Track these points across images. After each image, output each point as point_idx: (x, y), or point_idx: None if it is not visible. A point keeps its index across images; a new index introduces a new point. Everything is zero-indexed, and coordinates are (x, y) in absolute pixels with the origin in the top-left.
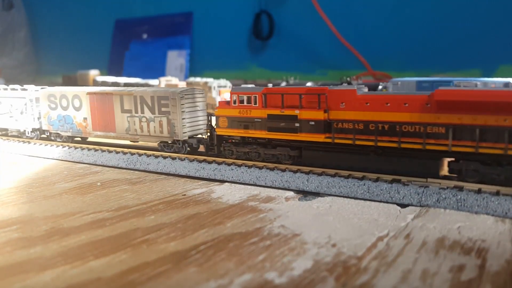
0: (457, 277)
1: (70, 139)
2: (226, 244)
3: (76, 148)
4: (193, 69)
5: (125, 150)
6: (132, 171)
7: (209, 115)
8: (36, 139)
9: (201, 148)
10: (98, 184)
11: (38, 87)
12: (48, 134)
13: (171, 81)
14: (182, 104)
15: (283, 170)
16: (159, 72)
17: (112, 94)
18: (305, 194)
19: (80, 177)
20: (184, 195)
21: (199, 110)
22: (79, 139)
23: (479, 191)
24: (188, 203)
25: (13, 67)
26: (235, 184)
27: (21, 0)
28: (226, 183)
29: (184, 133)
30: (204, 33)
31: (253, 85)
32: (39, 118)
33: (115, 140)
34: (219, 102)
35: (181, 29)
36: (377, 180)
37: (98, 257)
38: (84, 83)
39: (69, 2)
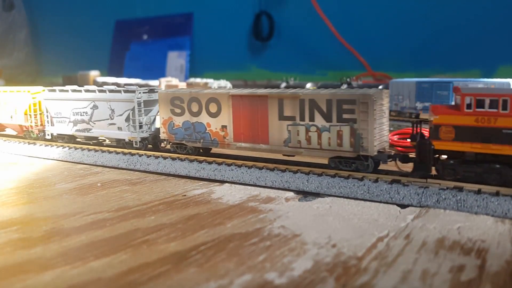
0: (457, 278)
1: (196, 151)
2: (226, 244)
3: (76, 148)
4: (193, 69)
5: (125, 150)
6: (132, 171)
7: (418, 122)
8: (144, 149)
9: (390, 165)
10: (99, 184)
11: (144, 89)
12: (165, 144)
13: (171, 81)
14: (374, 110)
15: (283, 171)
16: (159, 72)
17: (267, 96)
18: (305, 194)
19: (80, 178)
20: (184, 195)
21: (384, 117)
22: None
23: (478, 192)
24: (188, 203)
25: (14, 68)
26: (235, 185)
27: (22, 1)
28: (226, 184)
29: (374, 146)
30: (204, 34)
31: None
32: (150, 126)
33: (264, 153)
34: (438, 106)
35: (181, 29)
36: (377, 180)
37: (98, 257)
38: (85, 84)
39: (69, 3)
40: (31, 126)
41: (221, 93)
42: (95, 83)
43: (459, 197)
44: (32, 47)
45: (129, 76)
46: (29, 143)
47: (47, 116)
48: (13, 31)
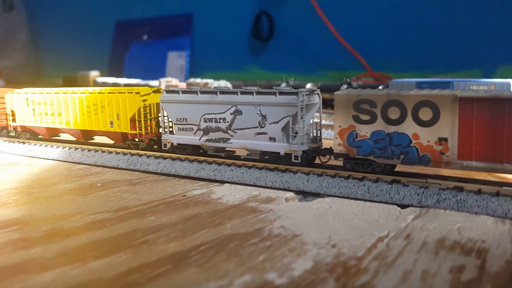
0: (457, 278)
1: (386, 169)
2: (226, 244)
3: (76, 149)
4: (193, 70)
5: (125, 151)
6: (132, 172)
7: None
8: (305, 165)
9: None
10: (98, 185)
11: (305, 90)
12: (327, 159)
13: (171, 82)
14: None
15: (283, 171)
16: (159, 73)
17: None
18: (305, 194)
19: (80, 178)
20: (184, 195)
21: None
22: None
23: (479, 192)
24: (188, 203)
25: (14, 69)
26: (235, 185)
27: (22, 2)
28: (226, 184)
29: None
30: (204, 34)
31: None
32: (312, 136)
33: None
34: None
35: (181, 30)
36: (377, 180)
37: (98, 257)
38: (85, 84)
39: (69, 4)
40: (140, 135)
41: (440, 95)
42: (95, 83)
43: (459, 197)
44: (32, 48)
45: (129, 77)
46: (29, 143)
47: (164, 122)
48: (13, 31)
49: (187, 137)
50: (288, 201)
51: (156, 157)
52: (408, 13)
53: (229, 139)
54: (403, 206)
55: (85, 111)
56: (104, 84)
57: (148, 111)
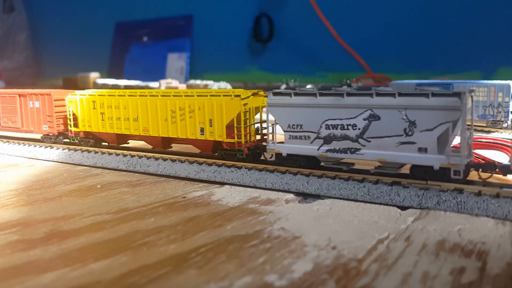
0: (457, 280)
1: None
2: (226, 246)
3: (76, 150)
4: (193, 71)
5: (125, 152)
6: (132, 173)
7: None
8: (462, 181)
9: None
10: (98, 186)
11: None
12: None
13: (171, 83)
14: None
15: (283, 172)
16: (159, 74)
17: None
18: (305, 196)
19: (80, 180)
20: (184, 197)
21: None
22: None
23: (479, 194)
24: (188, 205)
25: (14, 70)
26: (235, 187)
27: (22, 3)
28: (226, 186)
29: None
30: (204, 36)
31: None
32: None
33: None
34: None
35: (181, 31)
36: (377, 182)
37: (98, 259)
38: (85, 86)
39: (70, 5)
40: (239, 144)
41: None
42: (95, 85)
43: (459, 199)
44: (32, 49)
45: (129, 78)
46: (29, 145)
47: (269, 129)
48: (14, 33)
49: (302, 147)
50: (288, 202)
51: (156, 159)
52: (409, 15)
53: (360, 149)
54: (403, 208)
55: (169, 116)
56: (104, 86)
57: (248, 116)
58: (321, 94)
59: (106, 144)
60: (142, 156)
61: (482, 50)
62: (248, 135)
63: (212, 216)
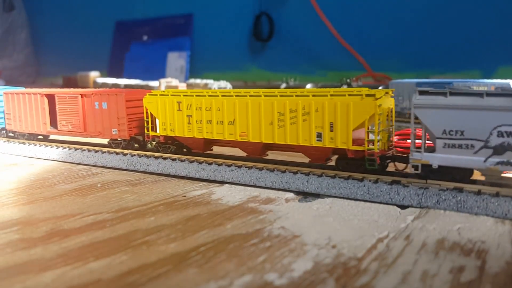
0: (457, 278)
1: None
2: (226, 245)
3: (76, 149)
4: (193, 70)
5: (125, 151)
6: (132, 172)
7: None
8: None
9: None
10: (98, 185)
11: None
12: None
13: (171, 82)
14: None
15: (283, 171)
16: (159, 73)
17: None
18: (305, 195)
19: (80, 179)
20: (184, 196)
21: None
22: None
23: (478, 192)
24: (188, 204)
25: (14, 69)
26: (235, 185)
27: (22, 2)
28: (226, 184)
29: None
30: (204, 35)
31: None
32: None
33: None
34: None
35: (181, 30)
36: (377, 181)
37: (98, 258)
38: (85, 85)
39: (70, 4)
40: (370, 152)
41: None
42: (95, 84)
43: (459, 198)
44: (32, 48)
45: (129, 77)
46: (29, 144)
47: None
48: (13, 32)
49: (461, 157)
50: (288, 201)
51: (156, 158)
52: (409, 14)
53: None
54: (403, 207)
55: (275, 119)
56: (104, 85)
57: (381, 120)
58: (490, 95)
59: (184, 150)
60: (142, 155)
61: (482, 49)
62: (381, 141)
63: (212, 215)
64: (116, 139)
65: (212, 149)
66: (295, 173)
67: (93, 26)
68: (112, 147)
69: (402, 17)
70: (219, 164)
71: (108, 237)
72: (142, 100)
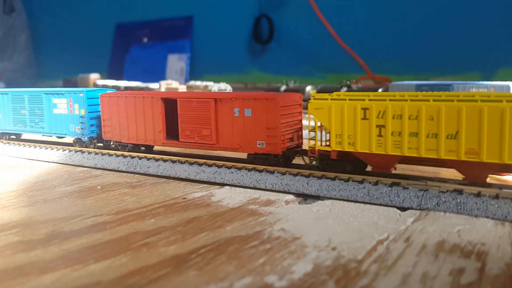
0: (457, 280)
1: None
2: (226, 247)
3: (76, 151)
4: (193, 72)
5: (125, 153)
6: (132, 174)
7: None
8: None
9: None
10: (98, 187)
11: None
12: None
13: (172, 84)
14: None
15: (283, 173)
16: (159, 75)
17: None
18: (305, 197)
19: (80, 181)
20: (184, 198)
21: None
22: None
23: (478, 194)
24: (188, 206)
25: (14, 71)
26: (235, 188)
27: (22, 4)
28: (226, 187)
29: None
30: (204, 37)
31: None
32: None
33: None
34: None
35: (181, 33)
36: (377, 183)
37: (98, 260)
38: (85, 87)
39: (70, 6)
40: None
41: None
42: (96, 86)
43: (459, 200)
44: (32, 50)
45: (129, 79)
46: (29, 146)
47: None
48: (13, 34)
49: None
50: (288, 203)
51: (156, 160)
52: (408, 15)
53: None
54: (403, 209)
55: None
56: (105, 87)
57: None
58: None
59: (368, 169)
60: (142, 157)
61: (482, 51)
62: None
63: (212, 217)
64: (262, 154)
65: (395, 168)
66: (295, 175)
67: (93, 28)
68: (254, 163)
69: (402, 19)
70: (219, 166)
71: (108, 239)
72: (295, 106)
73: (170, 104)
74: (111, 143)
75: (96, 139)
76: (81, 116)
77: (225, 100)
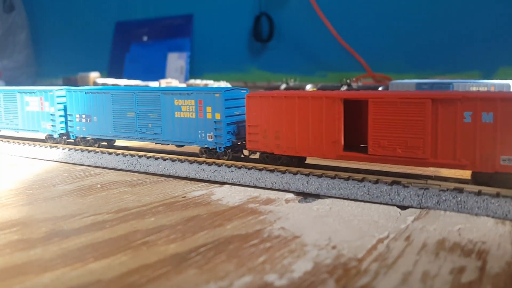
0: (457, 279)
1: None
2: (226, 246)
3: (76, 150)
4: (193, 71)
5: (125, 152)
6: (132, 173)
7: None
8: None
9: None
10: (98, 186)
11: None
12: None
13: (171, 83)
14: None
15: (283, 172)
16: (159, 74)
17: None
18: (305, 196)
19: (80, 179)
20: (184, 197)
21: None
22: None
23: (479, 193)
24: (188, 205)
25: (14, 69)
26: (235, 186)
27: (22, 3)
28: (226, 185)
29: None
30: (204, 35)
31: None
32: None
33: None
34: None
35: (181, 31)
36: (377, 182)
37: (98, 259)
38: (84, 85)
39: (70, 5)
40: None
41: None
42: (95, 84)
43: (459, 199)
44: (32, 49)
45: (129, 78)
46: (29, 145)
47: None
48: (13, 32)
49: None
50: (288, 202)
51: (156, 158)
52: (408, 14)
53: None
54: (403, 208)
55: None
56: (104, 85)
57: None
58: None
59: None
60: (142, 156)
61: (482, 49)
62: None
63: (212, 216)
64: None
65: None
66: (295, 173)
67: (93, 26)
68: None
69: (402, 17)
70: (219, 165)
71: (108, 237)
72: None
73: (352, 106)
74: (250, 154)
75: (231, 148)
76: (215, 121)
77: (448, 101)
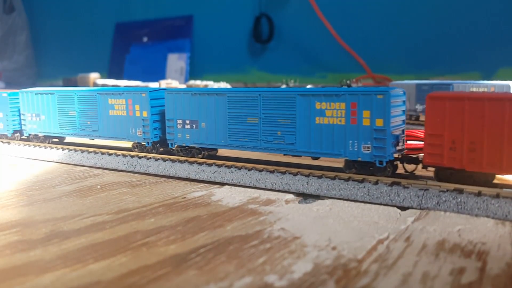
0: (457, 280)
1: None
2: (226, 247)
3: (76, 151)
4: (193, 72)
5: (125, 152)
6: (132, 173)
7: None
8: None
9: None
10: (98, 187)
11: None
12: None
13: (171, 84)
14: None
15: (283, 173)
16: (159, 75)
17: None
18: (305, 196)
19: (80, 180)
20: (184, 197)
21: None
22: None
23: (479, 194)
24: (188, 205)
25: (14, 70)
26: (235, 187)
27: (22, 4)
28: (226, 186)
29: None
30: (204, 36)
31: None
32: None
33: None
34: None
35: (181, 32)
36: (377, 182)
37: (98, 260)
38: (85, 86)
39: (70, 6)
40: None
41: None
42: (95, 85)
43: (459, 199)
44: (32, 50)
45: (129, 79)
46: (29, 146)
47: None
48: (14, 33)
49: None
50: (288, 203)
51: (156, 159)
52: (408, 15)
53: None
54: (403, 208)
55: None
56: (104, 86)
57: None
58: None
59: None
60: (142, 157)
61: (482, 50)
62: None
63: (212, 217)
64: None
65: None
66: (295, 174)
67: (93, 27)
68: None
69: (402, 18)
70: (219, 166)
71: (108, 238)
72: None
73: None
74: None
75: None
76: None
77: None
